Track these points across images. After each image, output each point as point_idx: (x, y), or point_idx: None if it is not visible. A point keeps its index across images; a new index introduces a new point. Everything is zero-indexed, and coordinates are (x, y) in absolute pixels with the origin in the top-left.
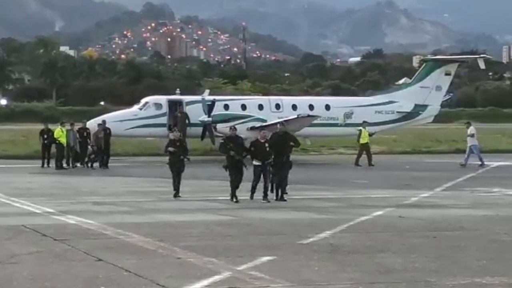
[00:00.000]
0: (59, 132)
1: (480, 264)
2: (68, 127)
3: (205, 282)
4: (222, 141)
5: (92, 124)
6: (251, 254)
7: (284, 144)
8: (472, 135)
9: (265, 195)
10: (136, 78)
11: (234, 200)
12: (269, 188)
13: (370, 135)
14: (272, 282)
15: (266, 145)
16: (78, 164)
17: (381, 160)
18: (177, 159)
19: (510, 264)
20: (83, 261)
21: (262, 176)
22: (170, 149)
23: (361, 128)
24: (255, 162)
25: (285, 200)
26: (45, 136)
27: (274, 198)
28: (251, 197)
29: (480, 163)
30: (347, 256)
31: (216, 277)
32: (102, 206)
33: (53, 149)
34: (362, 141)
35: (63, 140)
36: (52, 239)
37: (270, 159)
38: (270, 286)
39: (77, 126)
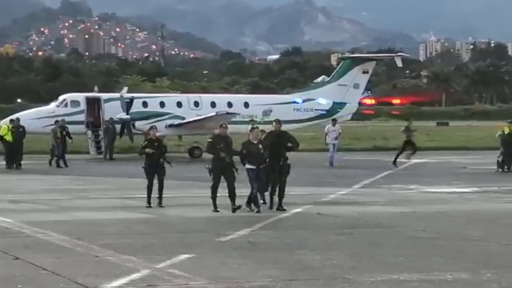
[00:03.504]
0: (5, 130)
1: (398, 260)
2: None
3: (124, 280)
4: (210, 140)
5: (5, 122)
6: (170, 252)
7: (281, 145)
8: (339, 134)
9: (249, 202)
10: (53, 75)
11: (215, 209)
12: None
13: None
14: (191, 280)
15: (260, 146)
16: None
17: (300, 158)
18: (156, 162)
19: (427, 261)
20: (0, 260)
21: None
22: (148, 150)
23: (257, 125)
24: (248, 166)
25: (284, 210)
26: None
27: (269, 207)
28: (258, 210)
29: (329, 163)
30: (265, 253)
31: (135, 275)
32: (19, 204)
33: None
34: None
35: (8, 138)
36: None
37: (264, 162)
38: (189, 284)
39: None
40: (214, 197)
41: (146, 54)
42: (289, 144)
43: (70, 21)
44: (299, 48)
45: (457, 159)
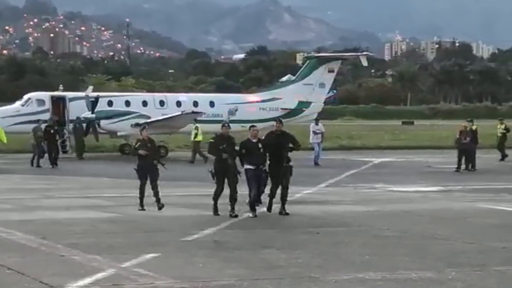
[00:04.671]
0: None
1: (363, 259)
2: None
3: (89, 279)
4: (212, 140)
5: None
6: (136, 251)
7: (282, 146)
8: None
9: (253, 206)
10: (18, 74)
11: (216, 213)
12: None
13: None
14: (156, 279)
15: (260, 145)
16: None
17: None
18: (149, 164)
19: (392, 259)
20: None
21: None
22: (141, 152)
23: (196, 125)
24: (247, 166)
25: (287, 214)
26: None
27: (267, 210)
28: (254, 214)
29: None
30: (231, 252)
31: (100, 275)
32: None
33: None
34: (198, 138)
35: None
36: None
37: (264, 163)
38: (155, 283)
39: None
40: (216, 200)
41: (112, 53)
42: (291, 145)
43: (35, 20)
44: (264, 47)
45: (422, 158)
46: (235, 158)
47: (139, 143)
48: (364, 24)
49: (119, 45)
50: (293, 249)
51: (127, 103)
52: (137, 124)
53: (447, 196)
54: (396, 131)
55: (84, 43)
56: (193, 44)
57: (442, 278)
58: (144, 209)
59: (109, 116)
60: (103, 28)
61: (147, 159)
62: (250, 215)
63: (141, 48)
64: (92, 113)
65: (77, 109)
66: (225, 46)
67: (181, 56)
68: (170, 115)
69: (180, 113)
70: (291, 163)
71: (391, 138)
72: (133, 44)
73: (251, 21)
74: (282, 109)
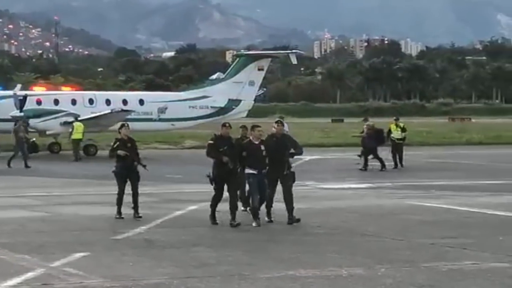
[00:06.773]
0: None
1: (294, 256)
2: None
3: (18, 279)
4: (211, 142)
5: None
6: (65, 250)
7: (284, 151)
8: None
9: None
10: None
11: (214, 222)
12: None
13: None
14: (86, 278)
15: (262, 148)
16: None
17: (196, 154)
18: (129, 166)
19: (323, 256)
20: None
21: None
22: (120, 152)
23: (73, 124)
24: (249, 171)
25: (298, 220)
26: None
27: (266, 219)
28: (258, 223)
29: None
30: (162, 251)
31: (29, 274)
32: None
33: None
34: (74, 136)
35: None
36: None
37: (266, 167)
38: (84, 282)
39: None
40: (213, 210)
41: (40, 51)
42: (292, 150)
43: None
44: (194, 45)
45: (352, 156)
46: (237, 162)
47: (117, 143)
48: (293, 22)
49: (47, 43)
50: (223, 247)
51: (56, 102)
52: (66, 123)
53: (377, 193)
54: (326, 129)
55: (12, 41)
56: (122, 42)
57: (372, 275)
58: (122, 218)
59: (38, 114)
60: (31, 26)
61: (127, 160)
62: (254, 224)
63: (70, 46)
64: (21, 111)
65: (5, 108)
66: (154, 44)
67: (110, 54)
68: (99, 113)
69: (109, 111)
70: (292, 169)
71: (321, 136)
72: (62, 42)
73: (180, 19)
74: (212, 107)
